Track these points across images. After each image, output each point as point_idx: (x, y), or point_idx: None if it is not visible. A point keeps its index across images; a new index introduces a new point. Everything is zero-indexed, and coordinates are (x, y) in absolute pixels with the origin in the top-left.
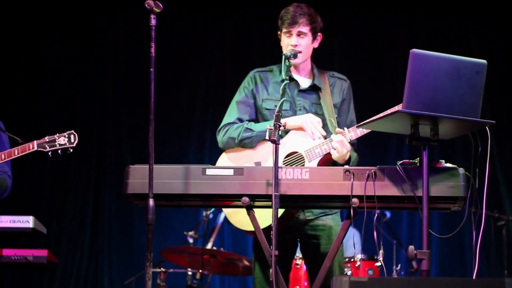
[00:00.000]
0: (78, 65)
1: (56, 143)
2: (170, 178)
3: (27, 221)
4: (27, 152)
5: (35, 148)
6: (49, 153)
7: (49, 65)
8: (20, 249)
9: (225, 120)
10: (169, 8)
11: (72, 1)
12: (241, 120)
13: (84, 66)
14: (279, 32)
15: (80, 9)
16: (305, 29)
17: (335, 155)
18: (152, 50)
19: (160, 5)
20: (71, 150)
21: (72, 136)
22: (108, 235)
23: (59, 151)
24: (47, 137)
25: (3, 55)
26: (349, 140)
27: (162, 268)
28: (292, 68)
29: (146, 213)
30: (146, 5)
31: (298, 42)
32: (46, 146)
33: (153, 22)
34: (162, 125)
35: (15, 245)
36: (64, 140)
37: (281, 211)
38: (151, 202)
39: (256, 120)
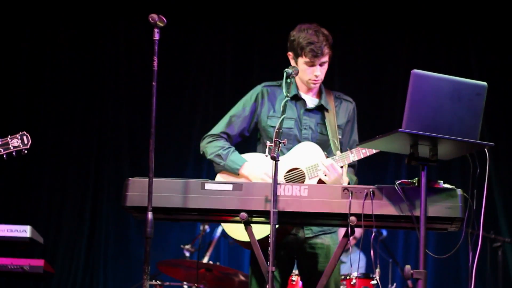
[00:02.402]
0: (78, 77)
1: (10, 146)
2: (169, 191)
3: (24, 231)
4: None
5: None
6: (4, 156)
7: (49, 76)
8: (17, 258)
9: (212, 131)
10: (170, 21)
11: (74, 13)
12: (225, 134)
13: (84, 77)
14: (290, 54)
15: (82, 21)
16: (326, 58)
17: (326, 179)
18: (155, 64)
19: (164, 19)
20: (26, 152)
21: (24, 137)
22: (104, 246)
23: (14, 153)
24: (0, 139)
25: (3, 67)
26: (352, 161)
27: (158, 281)
28: (301, 87)
29: (145, 226)
30: (150, 19)
31: (321, 71)
32: (0, 149)
33: (156, 36)
34: (161, 138)
35: (11, 254)
36: (17, 142)
37: None
38: (149, 215)
39: (251, 135)
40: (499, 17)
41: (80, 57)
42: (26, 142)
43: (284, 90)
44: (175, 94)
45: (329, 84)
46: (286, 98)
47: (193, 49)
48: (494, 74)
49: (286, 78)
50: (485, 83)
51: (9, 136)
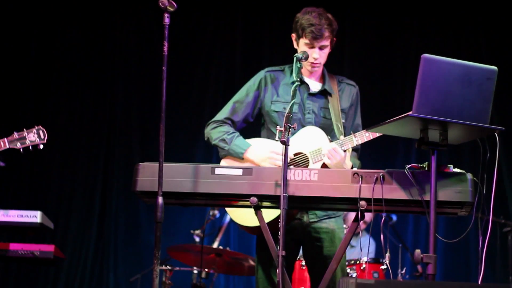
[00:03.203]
0: (88, 62)
1: (27, 140)
2: (179, 176)
3: (34, 216)
4: None
5: (7, 146)
6: (21, 150)
7: (60, 61)
8: (27, 244)
9: (216, 117)
10: (179, 6)
11: None
12: (230, 120)
13: (94, 63)
14: (293, 35)
15: (92, 6)
16: (327, 41)
17: (329, 163)
18: (165, 48)
19: (174, 4)
20: (42, 147)
21: (41, 132)
22: (114, 231)
23: (30, 147)
24: (16, 133)
25: (14, 51)
26: (355, 145)
27: (168, 266)
28: (304, 71)
29: (155, 210)
30: (160, 4)
31: (320, 55)
32: (17, 143)
33: (166, 21)
34: (171, 123)
35: (22, 239)
36: (33, 136)
37: (278, 211)
38: (160, 200)
39: (254, 120)
40: (509, 1)
41: (90, 43)
42: (42, 136)
43: (294, 75)
44: (185, 79)
45: (339, 70)
46: (297, 83)
47: (203, 35)
48: (504, 59)
49: (296, 62)
50: (495, 68)
51: (25, 130)
